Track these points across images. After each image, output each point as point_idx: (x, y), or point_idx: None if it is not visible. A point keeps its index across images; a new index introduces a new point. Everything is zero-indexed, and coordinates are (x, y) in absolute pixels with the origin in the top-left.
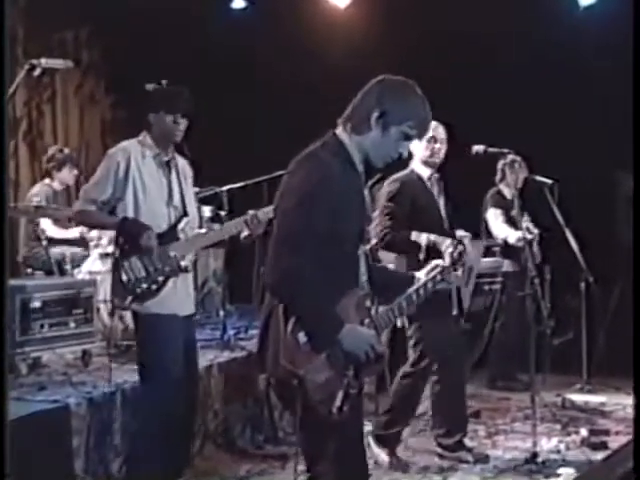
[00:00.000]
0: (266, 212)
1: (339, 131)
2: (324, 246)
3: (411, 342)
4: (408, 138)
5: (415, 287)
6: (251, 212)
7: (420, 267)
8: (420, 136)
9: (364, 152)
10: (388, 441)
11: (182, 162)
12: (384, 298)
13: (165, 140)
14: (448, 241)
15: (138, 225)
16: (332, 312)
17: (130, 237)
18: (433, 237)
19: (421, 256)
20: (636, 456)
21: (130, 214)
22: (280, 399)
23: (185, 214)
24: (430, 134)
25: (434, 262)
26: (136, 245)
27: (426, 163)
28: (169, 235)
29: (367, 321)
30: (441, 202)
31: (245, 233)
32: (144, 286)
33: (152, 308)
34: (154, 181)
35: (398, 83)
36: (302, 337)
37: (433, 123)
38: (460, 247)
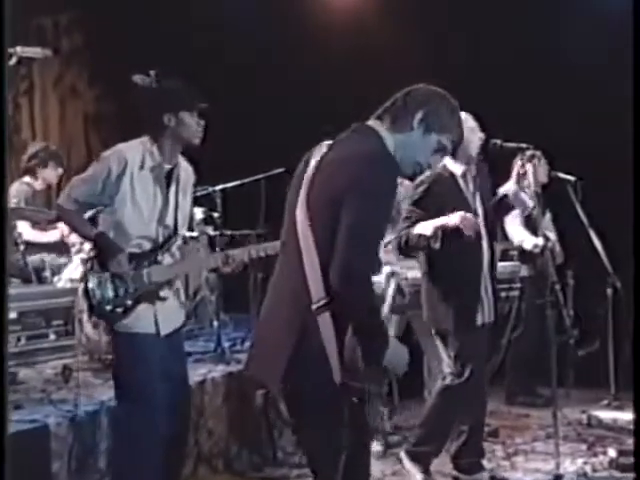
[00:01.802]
0: (241, 252)
1: (377, 126)
2: (378, 250)
3: (451, 353)
4: (442, 150)
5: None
6: (229, 252)
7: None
8: (451, 152)
9: (399, 151)
10: (422, 458)
11: (185, 168)
12: None
13: (183, 142)
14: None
15: (110, 247)
16: (385, 323)
17: (101, 254)
18: (438, 222)
19: (437, 245)
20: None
21: (112, 226)
22: (305, 417)
23: (175, 232)
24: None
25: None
26: (106, 265)
27: (458, 158)
28: (150, 257)
29: None
30: (477, 202)
31: (228, 269)
32: (109, 307)
33: (125, 327)
34: (147, 196)
35: (443, 94)
36: (358, 349)
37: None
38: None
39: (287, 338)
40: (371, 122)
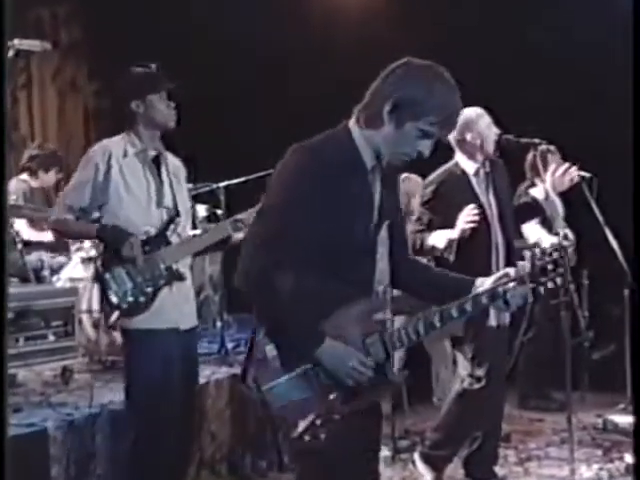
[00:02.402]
0: (249, 215)
1: (351, 122)
2: (313, 250)
3: (468, 355)
4: (428, 136)
5: (460, 301)
6: (237, 216)
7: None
8: (445, 133)
9: (376, 148)
10: (436, 462)
11: (173, 159)
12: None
13: (157, 127)
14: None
15: (118, 233)
16: (309, 324)
17: (111, 246)
18: (451, 234)
19: (451, 258)
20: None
21: (115, 220)
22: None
23: (177, 215)
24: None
25: (504, 270)
26: (118, 255)
27: (471, 155)
28: (160, 239)
29: (373, 337)
30: (492, 202)
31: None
32: (131, 299)
33: (143, 322)
34: (139, 180)
35: (420, 70)
36: (270, 350)
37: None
38: (555, 253)
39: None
40: (351, 120)
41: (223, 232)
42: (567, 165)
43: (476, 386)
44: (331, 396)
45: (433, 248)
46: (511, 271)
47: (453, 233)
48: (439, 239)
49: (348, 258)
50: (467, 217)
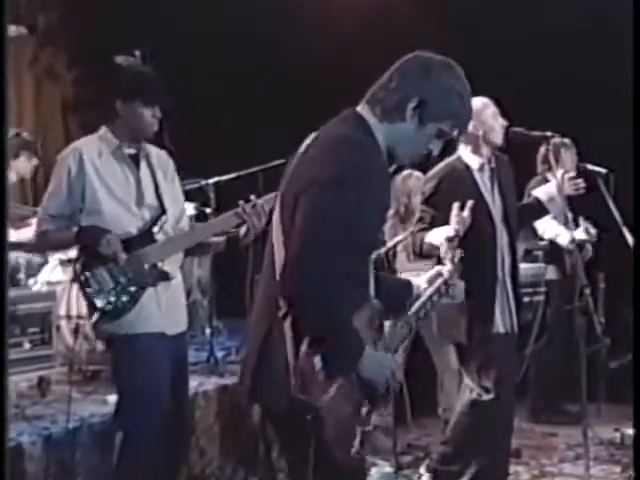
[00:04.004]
0: (267, 200)
1: (365, 112)
2: (346, 249)
3: (474, 365)
4: (443, 135)
5: (422, 300)
6: (239, 208)
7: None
8: (457, 135)
9: (391, 143)
10: (445, 478)
11: (157, 152)
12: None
13: (135, 135)
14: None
15: (95, 231)
16: (356, 331)
17: (90, 247)
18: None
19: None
20: None
21: (98, 223)
22: (283, 437)
23: (163, 212)
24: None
25: (436, 268)
26: (98, 254)
27: (475, 148)
28: (144, 239)
29: (380, 342)
30: (496, 200)
31: (244, 229)
32: (113, 299)
33: (128, 327)
34: (117, 179)
35: (445, 68)
36: (317, 361)
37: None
38: (459, 251)
39: (253, 347)
40: (360, 108)
41: (224, 226)
42: (574, 174)
43: (486, 397)
44: (364, 409)
45: (431, 246)
46: (443, 269)
47: (449, 230)
48: (436, 236)
49: (369, 260)
50: (461, 215)
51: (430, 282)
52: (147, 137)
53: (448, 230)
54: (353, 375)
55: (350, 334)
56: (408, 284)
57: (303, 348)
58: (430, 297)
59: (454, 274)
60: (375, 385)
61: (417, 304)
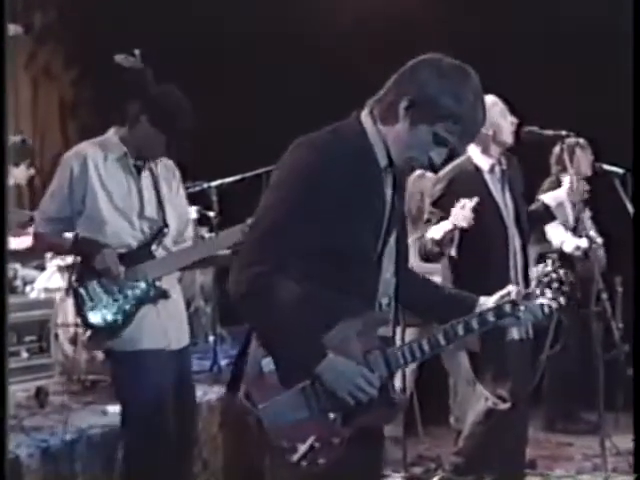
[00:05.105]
0: None
1: (364, 114)
2: (314, 256)
3: (489, 372)
4: (441, 142)
5: (466, 318)
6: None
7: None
8: (463, 144)
9: (388, 145)
10: None
11: (163, 162)
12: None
13: (143, 153)
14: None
15: (90, 244)
16: (310, 337)
17: (85, 259)
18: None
19: (452, 252)
20: None
21: (96, 231)
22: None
23: (165, 225)
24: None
25: (508, 288)
26: (93, 268)
27: (485, 148)
28: (142, 253)
29: (375, 353)
30: (508, 202)
31: None
32: (108, 318)
33: (129, 343)
34: (121, 188)
35: (446, 68)
36: (267, 364)
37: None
38: (560, 270)
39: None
40: (363, 112)
41: (229, 240)
42: (581, 180)
43: (502, 406)
44: (331, 416)
45: (433, 241)
46: (512, 289)
47: (447, 224)
48: (437, 230)
49: (352, 267)
50: (463, 210)
51: (498, 301)
52: (154, 158)
53: (446, 224)
54: (317, 383)
55: (299, 339)
56: (470, 299)
57: (251, 350)
58: (480, 315)
59: (521, 294)
60: (340, 395)
61: (454, 322)
